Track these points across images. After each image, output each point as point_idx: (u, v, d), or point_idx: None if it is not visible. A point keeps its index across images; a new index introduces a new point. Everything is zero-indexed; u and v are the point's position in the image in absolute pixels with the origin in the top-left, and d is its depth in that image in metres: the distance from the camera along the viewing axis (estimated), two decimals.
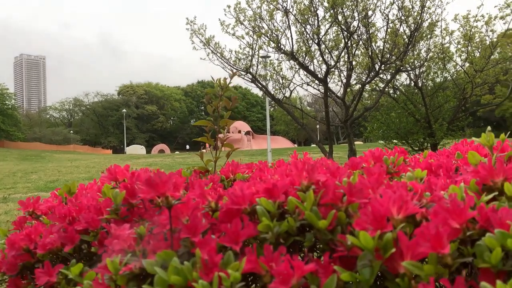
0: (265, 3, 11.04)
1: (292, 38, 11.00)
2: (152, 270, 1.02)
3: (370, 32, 10.75)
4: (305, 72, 11.81)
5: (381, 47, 10.96)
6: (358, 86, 12.56)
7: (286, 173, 1.35)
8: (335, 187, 1.09)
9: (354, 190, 1.08)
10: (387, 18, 10.74)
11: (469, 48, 12.30)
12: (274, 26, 11.06)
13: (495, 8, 12.03)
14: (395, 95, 13.97)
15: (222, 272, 0.93)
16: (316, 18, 10.84)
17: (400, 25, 10.74)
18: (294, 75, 11.79)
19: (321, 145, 11.97)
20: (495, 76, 12.57)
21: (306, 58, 11.16)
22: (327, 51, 11.30)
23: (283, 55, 11.18)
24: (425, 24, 10.96)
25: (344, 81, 11.85)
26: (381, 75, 11.99)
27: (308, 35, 11.04)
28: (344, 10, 10.56)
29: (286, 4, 10.95)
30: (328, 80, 11.52)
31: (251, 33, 11.28)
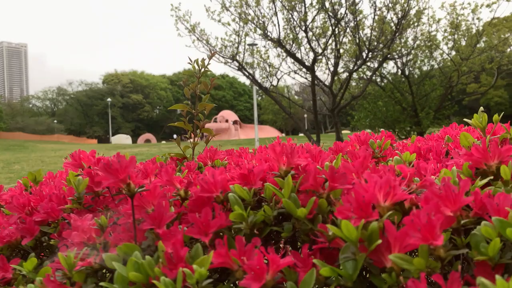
0: None
1: (279, 25, 10.83)
2: (112, 265, 0.91)
3: (358, 19, 10.64)
4: (292, 60, 11.67)
5: (369, 35, 10.87)
6: (345, 74, 12.50)
7: (265, 158, 1.24)
8: (316, 172, 0.99)
9: (336, 175, 0.98)
10: (374, 5, 10.63)
11: (456, 36, 12.31)
12: (261, 13, 10.84)
13: None
14: (383, 84, 13.95)
15: (188, 267, 0.82)
16: (303, 4, 10.67)
17: (388, 13, 10.64)
18: (281, 63, 11.63)
19: (308, 134, 11.89)
20: (481, 64, 12.62)
21: (293, 45, 11.01)
22: (314, 38, 11.16)
23: (270, 42, 11.01)
24: (412, 11, 10.89)
25: (332, 69, 11.75)
26: (368, 63, 11.94)
27: (295, 22, 10.86)
28: None
29: None
30: (316, 68, 11.41)
31: (237, 19, 11.06)
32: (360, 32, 11.03)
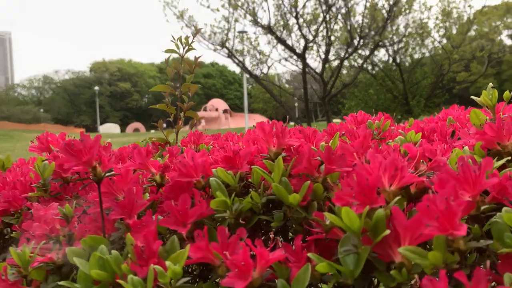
0: None
1: (269, 11, 10.61)
2: (74, 261, 0.78)
3: (349, 6, 10.48)
4: (283, 47, 11.49)
5: (360, 22, 10.73)
6: (336, 62, 12.37)
7: (253, 140, 1.11)
8: (310, 153, 0.87)
9: (333, 156, 0.86)
10: None
11: (447, 24, 12.25)
12: None
13: None
14: (374, 72, 13.87)
15: (162, 264, 0.70)
16: None
17: None
18: (271, 50, 11.44)
19: (299, 122, 11.79)
20: (472, 52, 12.60)
21: (284, 32, 10.82)
22: (305, 25, 10.98)
23: (260, 28, 10.80)
24: None
25: (323, 57, 11.60)
26: (359, 51, 11.82)
27: (285, 8, 10.65)
28: None
29: None
30: (307, 55, 11.25)
31: (226, 5, 10.80)
32: (352, 19, 10.89)
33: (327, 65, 11.95)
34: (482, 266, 0.79)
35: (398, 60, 13.00)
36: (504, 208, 0.65)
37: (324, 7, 10.61)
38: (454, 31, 12.56)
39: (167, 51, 1.95)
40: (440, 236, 0.59)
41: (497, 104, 1.19)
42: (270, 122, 1.04)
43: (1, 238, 1.19)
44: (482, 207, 0.66)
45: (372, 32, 10.53)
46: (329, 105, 11.43)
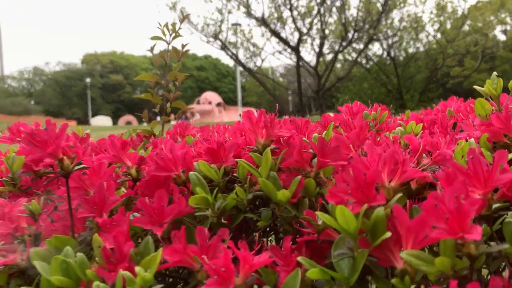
0: None
1: (263, 3, 10.47)
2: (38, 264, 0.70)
3: None
4: (277, 40, 11.36)
5: (355, 15, 10.64)
6: (331, 56, 12.29)
7: (241, 131, 1.02)
8: (301, 145, 0.79)
9: (327, 148, 0.78)
10: None
11: (442, 18, 12.20)
12: None
13: None
14: (368, 66, 13.81)
15: (133, 269, 0.61)
16: None
17: None
18: (265, 43, 11.30)
19: (293, 116, 11.68)
20: (466, 47, 12.58)
21: (278, 24, 10.70)
22: (299, 17, 10.86)
23: (254, 20, 10.67)
24: None
25: (317, 50, 11.50)
26: (354, 45, 11.74)
27: (279, 0, 10.52)
28: None
29: None
30: (301, 49, 11.14)
31: None
32: (346, 12, 10.79)
33: (321, 59, 11.87)
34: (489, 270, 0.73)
35: (392, 54, 12.95)
36: None
37: (318, 0, 10.51)
38: (449, 26, 12.52)
39: (153, 38, 1.85)
40: (448, 240, 0.52)
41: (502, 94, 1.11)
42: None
43: None
44: (494, 206, 0.59)
45: (367, 26, 10.45)
46: (323, 99, 11.36)
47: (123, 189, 0.89)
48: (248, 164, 0.76)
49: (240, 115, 0.90)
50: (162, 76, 1.80)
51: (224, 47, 10.98)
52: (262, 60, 11.63)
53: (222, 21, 10.85)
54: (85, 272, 0.63)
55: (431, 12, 12.45)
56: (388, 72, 13.15)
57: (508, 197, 0.63)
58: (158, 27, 1.83)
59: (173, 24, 1.80)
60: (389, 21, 11.53)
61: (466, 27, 12.76)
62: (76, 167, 0.79)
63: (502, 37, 15.07)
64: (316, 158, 0.79)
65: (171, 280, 0.88)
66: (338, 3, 10.67)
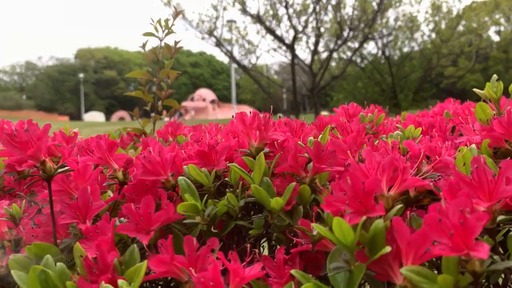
0: None
1: (258, 0, 10.41)
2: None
3: None
4: (272, 38, 11.32)
5: (350, 14, 10.62)
6: (325, 54, 12.27)
7: (234, 133, 0.98)
8: (297, 149, 0.75)
9: (323, 153, 0.75)
10: None
11: (437, 18, 12.24)
12: None
13: None
14: (363, 65, 13.82)
15: (116, 280, 0.57)
16: None
17: None
18: (260, 41, 11.26)
19: (287, 114, 11.69)
20: (460, 47, 12.64)
21: (273, 22, 10.65)
22: (294, 15, 10.82)
23: (249, 17, 10.60)
24: None
25: (312, 48, 11.48)
26: (349, 43, 11.73)
27: None
28: None
29: None
30: (296, 46, 11.11)
31: None
32: (342, 10, 10.77)
33: (316, 57, 11.85)
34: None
35: (387, 53, 12.97)
36: None
37: None
38: (443, 26, 12.56)
39: (145, 34, 1.80)
40: (451, 256, 0.49)
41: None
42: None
43: None
44: (499, 218, 0.56)
45: (362, 25, 10.44)
46: (317, 97, 11.35)
47: (109, 192, 0.85)
48: (240, 169, 0.72)
49: (233, 116, 0.86)
50: (154, 73, 1.76)
51: (219, 43, 10.91)
52: (257, 58, 11.58)
53: (217, 18, 10.78)
54: (66, 284, 0.59)
55: (426, 12, 12.50)
56: (382, 71, 13.17)
57: (510, 208, 0.61)
58: (151, 23, 1.78)
59: (166, 20, 1.76)
60: (384, 20, 11.54)
61: (460, 28, 12.82)
62: (59, 170, 0.75)
63: (496, 38, 15.17)
64: (311, 162, 0.76)
65: None
66: (333, 1, 10.66)
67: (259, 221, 0.73)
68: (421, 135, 1.01)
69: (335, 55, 12.76)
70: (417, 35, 13.00)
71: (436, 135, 1.00)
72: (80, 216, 0.70)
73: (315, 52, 11.34)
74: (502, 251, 0.65)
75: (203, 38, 10.73)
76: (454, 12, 12.39)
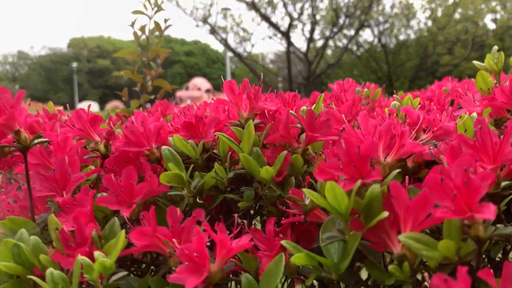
0: None
1: None
2: None
3: None
4: (267, 25, 11.19)
5: (346, 1, 10.52)
6: (321, 42, 12.18)
7: (223, 105, 0.93)
8: (288, 119, 0.71)
9: (317, 122, 0.71)
10: None
11: (433, 5, 12.16)
12: None
13: None
14: (359, 53, 13.75)
15: (92, 254, 0.53)
16: None
17: None
18: (255, 28, 11.13)
19: None
20: (456, 35, 12.58)
21: (269, 9, 10.53)
22: (290, 2, 10.69)
23: (244, 4, 10.46)
24: None
25: (308, 36, 11.38)
26: (345, 31, 11.64)
27: None
28: None
29: None
30: (291, 34, 11.00)
31: None
32: None
33: (311, 45, 11.76)
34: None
35: (383, 41, 12.91)
36: None
37: None
38: (440, 13, 12.48)
39: (135, 12, 1.74)
40: (454, 220, 0.45)
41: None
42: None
43: None
44: (502, 183, 0.52)
45: (358, 11, 10.35)
46: (313, 85, 11.29)
47: (93, 167, 0.81)
48: (229, 138, 0.68)
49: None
50: (144, 53, 1.70)
51: (213, 31, 10.79)
52: (252, 46, 11.46)
53: (211, 5, 10.63)
54: (40, 257, 0.55)
55: None
56: (378, 59, 13.12)
57: None
58: (140, 1, 1.72)
59: None
60: (380, 7, 11.45)
61: (457, 15, 12.74)
62: (36, 141, 0.70)
63: (492, 26, 15.11)
64: (304, 133, 0.72)
65: (144, 266, 0.81)
66: None
67: (249, 193, 0.69)
68: (419, 109, 0.97)
69: (330, 43, 12.70)
70: (413, 22, 12.94)
71: (434, 108, 0.96)
72: (58, 189, 0.66)
73: (310, 39, 11.24)
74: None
75: (197, 26, 10.60)
76: (451, 0, 12.31)
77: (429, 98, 1.02)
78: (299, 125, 0.73)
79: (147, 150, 0.72)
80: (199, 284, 0.52)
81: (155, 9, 1.69)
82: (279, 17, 11.22)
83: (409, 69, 13.11)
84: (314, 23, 10.96)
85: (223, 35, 11.18)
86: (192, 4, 10.78)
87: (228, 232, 0.57)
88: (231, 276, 0.60)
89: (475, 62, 1.03)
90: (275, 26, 10.99)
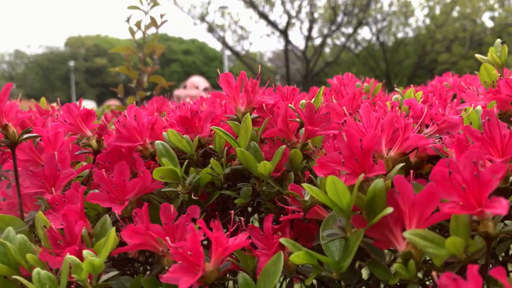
0: None
1: None
2: None
3: None
4: (265, 23, 11.16)
5: None
6: (319, 40, 12.16)
7: (219, 97, 0.90)
8: (287, 112, 0.69)
9: (317, 115, 0.68)
10: None
11: (431, 3, 12.15)
12: None
13: None
14: (357, 51, 13.74)
15: (81, 253, 0.51)
16: None
17: None
18: (253, 26, 11.09)
19: None
20: (454, 33, 12.58)
21: (267, 7, 10.49)
22: (288, 0, 10.66)
23: (242, 2, 10.42)
24: None
25: (306, 34, 11.35)
26: (343, 29, 11.62)
27: None
28: None
29: None
30: (289, 32, 10.97)
31: None
32: None
33: (309, 43, 11.73)
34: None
35: (381, 39, 12.90)
36: None
37: None
38: (438, 11, 12.48)
39: (130, 7, 1.71)
40: (462, 216, 0.43)
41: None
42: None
43: None
44: (511, 178, 0.50)
45: (356, 9, 10.32)
46: (311, 84, 11.26)
47: (85, 164, 0.78)
48: (225, 132, 0.66)
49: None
50: (140, 49, 1.67)
51: (211, 29, 10.75)
52: (250, 44, 11.42)
53: (209, 3, 10.60)
54: (26, 257, 0.53)
55: None
56: (376, 57, 13.12)
57: None
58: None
59: None
60: (378, 5, 11.44)
61: (455, 13, 12.73)
62: (25, 136, 0.67)
63: (490, 24, 15.11)
64: (303, 127, 0.69)
65: (139, 266, 0.78)
66: None
67: (246, 189, 0.67)
68: (422, 102, 0.95)
69: (329, 41, 12.67)
70: (412, 20, 12.94)
71: (436, 102, 0.94)
72: (47, 185, 0.64)
73: (308, 38, 11.22)
74: None
75: (195, 24, 10.57)
76: None
77: (430, 92, 1.00)
78: (298, 119, 0.70)
79: (141, 146, 0.70)
80: (193, 284, 0.49)
81: (151, 4, 1.66)
82: (277, 15, 11.23)
83: (407, 67, 13.11)
84: (312, 21, 10.94)
85: (221, 33, 11.15)
86: (189, 2, 10.73)
87: (224, 230, 0.55)
88: (228, 275, 0.57)
89: (477, 55, 1.01)
90: (273, 24, 10.97)
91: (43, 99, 1.22)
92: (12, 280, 0.55)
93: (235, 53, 11.37)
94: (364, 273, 0.69)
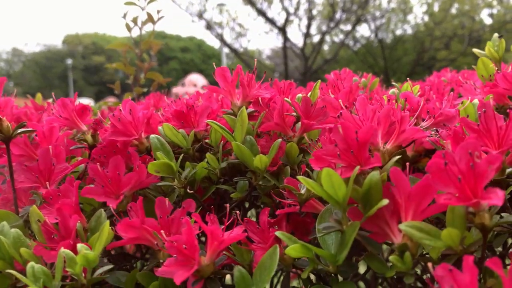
0: None
1: None
2: None
3: None
4: (263, 20, 11.14)
5: None
6: (318, 37, 12.14)
7: (215, 92, 0.89)
8: (283, 106, 0.68)
9: (313, 109, 0.68)
10: None
11: (430, 0, 12.15)
12: None
13: None
14: (355, 48, 13.73)
15: (76, 247, 0.50)
16: None
17: None
18: (251, 23, 11.07)
19: None
20: (453, 30, 12.58)
21: (265, 4, 10.47)
22: None
23: None
24: None
25: (304, 31, 11.33)
26: (341, 26, 11.60)
27: None
28: None
29: None
30: (287, 30, 10.96)
31: None
32: None
33: (308, 40, 11.71)
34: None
35: (380, 36, 12.90)
36: None
37: None
38: (436, 8, 12.47)
39: (127, 3, 1.70)
40: (458, 208, 0.42)
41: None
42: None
43: None
44: (507, 170, 0.50)
45: (355, 6, 10.31)
46: (310, 81, 11.26)
47: (80, 158, 0.78)
48: (221, 126, 0.65)
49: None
50: (137, 45, 1.66)
51: (209, 26, 10.72)
52: (248, 41, 11.41)
53: (206, 0, 10.56)
54: (20, 251, 0.52)
55: None
56: (375, 54, 13.11)
57: None
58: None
59: None
60: (377, 2, 11.43)
61: (453, 10, 12.73)
62: (19, 130, 0.67)
63: (488, 21, 15.12)
64: (299, 121, 0.69)
65: (136, 260, 0.78)
66: None
67: (242, 183, 0.67)
68: (419, 96, 0.95)
69: (327, 38, 12.65)
70: (410, 17, 12.95)
71: (434, 96, 0.94)
72: (41, 180, 0.63)
73: (307, 35, 11.21)
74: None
75: (192, 21, 10.54)
76: None
77: (427, 86, 0.99)
78: (294, 113, 0.70)
79: (136, 140, 0.69)
80: (189, 278, 0.49)
81: (148, 0, 1.65)
82: (275, 12, 11.21)
83: (406, 64, 13.12)
84: (310, 18, 10.92)
85: (219, 31, 11.12)
86: None
87: (221, 225, 0.55)
88: (224, 269, 0.57)
89: (475, 50, 1.01)
90: (271, 21, 10.94)
91: (38, 95, 1.22)
92: (6, 274, 0.55)
93: (233, 50, 11.35)
94: (362, 269, 0.68)
